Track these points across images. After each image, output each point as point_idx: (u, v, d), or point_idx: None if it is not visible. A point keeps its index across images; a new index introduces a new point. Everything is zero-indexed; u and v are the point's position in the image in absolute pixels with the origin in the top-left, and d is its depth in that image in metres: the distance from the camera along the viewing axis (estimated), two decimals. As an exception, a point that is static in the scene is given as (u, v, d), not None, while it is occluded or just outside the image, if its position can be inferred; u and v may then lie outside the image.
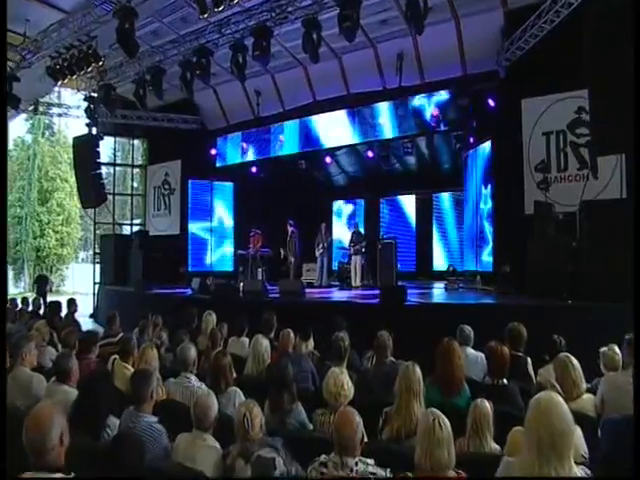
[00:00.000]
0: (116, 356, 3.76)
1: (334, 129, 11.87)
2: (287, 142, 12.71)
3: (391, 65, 10.86)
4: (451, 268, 11.11)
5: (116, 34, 7.12)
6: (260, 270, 11.99)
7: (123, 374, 3.55)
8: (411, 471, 2.04)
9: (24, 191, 25.69)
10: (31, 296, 11.74)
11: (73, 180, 17.61)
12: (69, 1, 8.62)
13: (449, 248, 13.51)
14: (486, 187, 9.89)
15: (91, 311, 14.45)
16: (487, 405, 2.44)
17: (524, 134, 9.10)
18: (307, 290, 9.58)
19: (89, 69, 8.18)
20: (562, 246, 7.01)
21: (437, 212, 13.84)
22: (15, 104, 9.08)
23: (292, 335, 4.12)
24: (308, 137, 12.34)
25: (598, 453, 2.46)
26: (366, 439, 2.36)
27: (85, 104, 11.66)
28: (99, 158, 13.42)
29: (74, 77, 8.44)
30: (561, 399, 1.80)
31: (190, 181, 14.01)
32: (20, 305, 8.07)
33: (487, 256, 9.87)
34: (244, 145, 13.41)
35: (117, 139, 16.28)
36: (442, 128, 10.43)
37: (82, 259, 31.66)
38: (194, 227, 14.11)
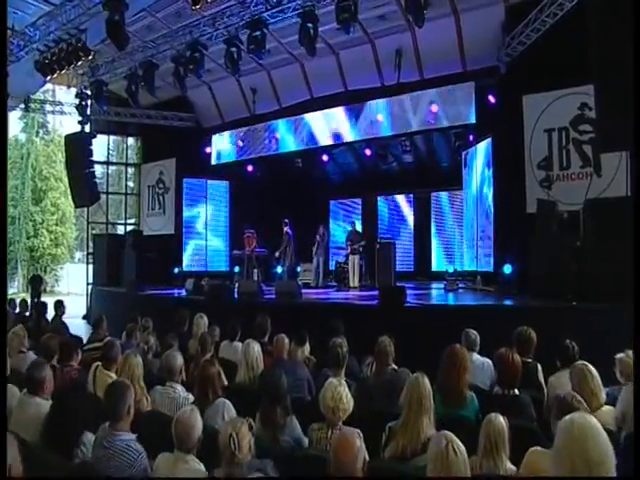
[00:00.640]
0: (98, 363, 3.52)
1: (331, 127, 11.63)
2: (283, 140, 12.47)
3: (389, 61, 10.68)
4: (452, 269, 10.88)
5: (105, 26, 6.89)
6: (256, 271, 11.77)
7: (105, 383, 3.31)
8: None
9: (17, 190, 25.37)
10: (25, 297, 11.54)
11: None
12: (57, -8, 8.39)
13: (448, 248, 13.31)
14: (486, 185, 9.68)
15: (85, 312, 14.24)
16: (502, 421, 2.21)
17: (525, 131, 8.89)
18: (304, 291, 9.35)
19: (79, 63, 7.93)
20: (566, 245, 6.80)
21: (436, 211, 13.63)
22: (3, 100, 8.81)
23: (286, 340, 3.88)
24: (304, 135, 12.10)
25: (619, 472, 2.24)
26: (367, 458, 2.12)
27: (76, 101, 11.35)
28: (92, 156, 13.16)
29: (64, 72, 8.19)
30: (597, 422, 1.57)
31: (185, 180, 13.75)
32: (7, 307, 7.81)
33: (487, 256, 9.65)
34: (240, 143, 13.16)
35: (111, 137, 16.02)
36: (442, 125, 10.18)
37: (79, 259, 31.36)
38: (189, 226, 13.84)
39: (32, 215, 25.97)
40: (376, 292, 7.84)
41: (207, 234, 13.98)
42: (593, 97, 7.99)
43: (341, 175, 14.50)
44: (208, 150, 13.71)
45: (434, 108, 10.20)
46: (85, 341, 5.16)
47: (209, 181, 13.98)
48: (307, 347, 4.24)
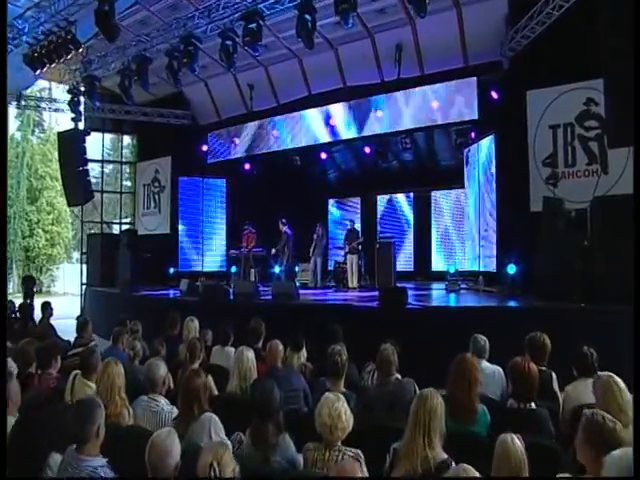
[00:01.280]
0: (77, 372, 3.26)
1: (330, 124, 11.37)
2: (281, 137, 12.22)
3: (389, 56, 10.45)
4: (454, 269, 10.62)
5: (95, 17, 6.63)
6: (253, 271, 11.51)
7: (84, 393, 3.06)
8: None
9: (13, 190, 25.04)
10: (18, 297, 11.27)
11: (63, 178, 17.02)
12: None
13: (448, 248, 13.07)
14: (489, 183, 9.43)
15: (79, 313, 13.99)
16: (519, 446, 1.95)
17: (529, 128, 8.66)
18: (301, 291, 9.11)
19: (69, 57, 7.66)
20: (573, 244, 6.57)
21: (436, 210, 13.39)
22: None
23: (281, 347, 3.61)
24: (303, 132, 11.84)
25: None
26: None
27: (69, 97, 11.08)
28: (85, 154, 12.92)
29: (54, 65, 7.92)
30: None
31: (180, 178, 13.50)
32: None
33: (490, 256, 9.41)
34: (236, 141, 12.90)
35: (109, 136, 15.77)
36: (443, 122, 9.92)
37: (76, 259, 31.06)
38: (185, 226, 13.57)
39: (27, 214, 25.65)
40: (376, 293, 7.62)
41: (203, 233, 13.71)
42: (599, 92, 7.86)
43: (340, 173, 14.26)
44: (204, 148, 13.45)
45: (435, 104, 9.96)
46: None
47: (205, 179, 13.71)
48: (304, 353, 3.97)
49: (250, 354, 3.40)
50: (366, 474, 1.77)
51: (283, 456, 2.28)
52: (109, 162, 15.66)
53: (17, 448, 2.06)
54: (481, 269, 9.81)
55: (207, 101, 13.46)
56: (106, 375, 2.86)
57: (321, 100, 11.63)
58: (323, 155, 12.78)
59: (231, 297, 8.19)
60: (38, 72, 8.12)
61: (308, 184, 13.80)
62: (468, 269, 10.81)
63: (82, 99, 11.40)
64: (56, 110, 14.66)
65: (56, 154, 24.98)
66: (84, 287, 14.12)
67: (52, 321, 6.72)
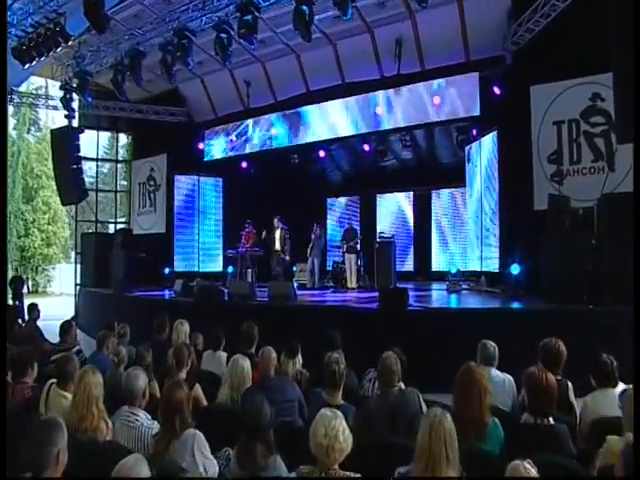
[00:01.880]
0: (53, 381, 3.01)
1: (328, 120, 11.13)
2: (278, 135, 11.97)
3: (389, 51, 10.23)
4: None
5: (83, 7, 6.39)
6: (250, 271, 11.25)
7: (60, 404, 2.81)
8: None
9: (8, 189, 24.76)
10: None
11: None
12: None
13: (449, 247, 12.86)
14: (491, 181, 9.19)
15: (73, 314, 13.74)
16: (534, 475, 1.71)
17: (533, 124, 8.43)
18: (299, 292, 8.87)
19: (58, 49, 7.41)
20: (580, 244, 6.34)
21: (436, 209, 13.18)
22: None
23: (274, 354, 3.35)
24: (301, 129, 11.59)
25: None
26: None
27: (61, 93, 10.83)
28: (79, 152, 12.67)
29: (43, 59, 7.67)
30: None
31: (176, 177, 13.24)
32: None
33: (492, 255, 9.17)
34: (233, 138, 12.64)
35: (106, 134, 15.52)
36: (444, 118, 9.68)
37: (74, 259, 30.78)
38: (180, 225, 13.31)
39: (23, 214, 25.39)
40: (375, 294, 7.39)
41: (199, 233, 13.44)
42: (605, 87, 7.66)
43: (338, 172, 14.03)
44: (200, 146, 13.21)
45: (436, 100, 9.73)
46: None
47: (201, 178, 13.45)
48: (299, 359, 3.71)
49: (246, 364, 3.16)
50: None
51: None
52: (103, 160, 15.36)
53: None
54: (483, 269, 9.57)
55: (203, 98, 13.22)
56: (82, 385, 2.62)
57: (319, 97, 11.39)
58: (322, 153, 12.54)
59: (226, 298, 7.94)
60: (27, 66, 7.86)
61: (306, 183, 13.56)
62: (470, 269, 10.57)
63: (75, 96, 11.13)
64: (54, 108, 14.36)
65: (52, 153, 24.90)
66: (78, 287, 13.90)
67: (46, 322, 6.48)
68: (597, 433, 2.47)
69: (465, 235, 11.74)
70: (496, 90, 9.09)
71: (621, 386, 2.77)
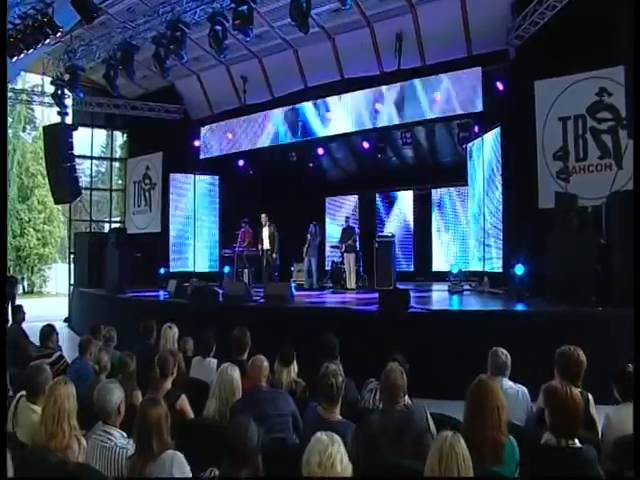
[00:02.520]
0: (23, 393, 2.74)
1: (326, 117, 10.86)
2: (276, 132, 11.70)
3: (389, 46, 9.99)
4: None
5: (70, -4, 6.15)
6: (247, 271, 10.99)
7: (29, 419, 2.56)
8: None
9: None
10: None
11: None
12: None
13: (450, 247, 12.62)
14: (494, 179, 8.94)
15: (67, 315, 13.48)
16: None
17: (537, 120, 8.20)
18: (297, 293, 8.63)
19: (46, 41, 7.15)
20: (589, 243, 6.09)
21: (437, 208, 12.94)
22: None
23: (266, 363, 3.06)
24: (299, 126, 11.33)
25: None
26: None
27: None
28: (72, 149, 12.39)
29: (31, 52, 7.40)
30: None
31: (172, 175, 12.95)
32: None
33: (495, 256, 8.92)
34: (229, 136, 12.38)
35: (102, 132, 15.25)
36: (445, 114, 9.42)
37: (69, 259, 30.48)
38: (176, 224, 13.03)
39: (18, 213, 25.12)
40: (375, 295, 7.14)
41: (195, 232, 13.17)
42: (613, 81, 7.43)
43: (337, 170, 13.76)
44: (197, 143, 12.94)
45: (437, 96, 9.47)
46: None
47: (198, 176, 13.17)
48: (294, 368, 3.44)
49: (235, 374, 2.90)
50: None
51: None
52: (98, 159, 15.09)
53: None
54: (486, 269, 9.32)
55: (199, 95, 12.98)
56: (53, 398, 2.36)
57: (318, 93, 11.13)
58: (320, 151, 12.29)
59: (221, 299, 7.68)
60: (15, 59, 7.60)
61: (305, 181, 13.31)
62: (472, 269, 10.32)
63: (68, 92, 10.87)
64: (50, 106, 14.09)
65: (48, 152, 24.63)
66: (72, 288, 13.64)
67: (38, 324, 6.23)
68: (623, 452, 2.22)
69: (466, 235, 11.50)
70: (499, 85, 8.87)
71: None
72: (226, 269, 11.86)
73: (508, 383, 2.88)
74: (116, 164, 15.97)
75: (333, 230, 14.02)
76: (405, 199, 13.48)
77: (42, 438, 2.31)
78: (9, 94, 12.96)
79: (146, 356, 3.91)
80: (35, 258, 26.03)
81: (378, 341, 5.45)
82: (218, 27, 7.17)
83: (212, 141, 12.91)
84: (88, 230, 14.73)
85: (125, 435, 2.33)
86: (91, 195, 14.58)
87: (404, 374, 2.48)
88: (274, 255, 10.43)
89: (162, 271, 12.13)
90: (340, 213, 13.99)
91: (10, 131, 25.90)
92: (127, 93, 13.29)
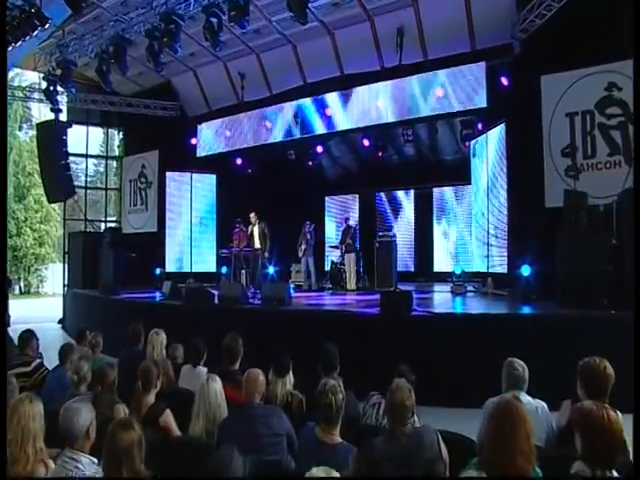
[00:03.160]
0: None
1: (326, 114, 10.59)
2: (274, 129, 11.42)
3: (390, 41, 9.73)
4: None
5: (57, -16, 5.88)
6: (244, 272, 10.71)
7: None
8: None
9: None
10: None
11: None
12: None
13: (452, 247, 12.39)
14: (499, 177, 8.68)
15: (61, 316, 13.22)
16: None
17: (544, 116, 7.94)
18: (296, 294, 8.38)
19: (34, 33, 6.88)
20: (600, 242, 5.83)
21: (438, 208, 12.70)
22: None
23: (262, 377, 2.73)
24: (297, 123, 11.05)
25: None
26: None
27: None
28: (66, 147, 12.16)
29: (19, 44, 7.13)
30: None
31: (168, 173, 12.67)
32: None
33: (500, 256, 8.65)
34: (227, 133, 12.10)
35: (97, 130, 14.94)
36: (448, 110, 9.15)
37: (63, 259, 30.21)
38: (173, 224, 12.75)
39: (14, 213, 24.87)
40: (376, 296, 6.88)
41: (192, 232, 12.89)
42: (623, 75, 7.17)
43: (337, 169, 13.51)
44: (193, 141, 12.66)
45: (440, 92, 9.19)
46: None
47: (195, 174, 12.89)
48: (290, 378, 3.14)
49: (217, 385, 2.64)
50: None
51: None
52: (93, 157, 14.81)
53: None
54: (490, 270, 9.05)
55: (196, 91, 12.72)
56: (16, 418, 2.09)
57: (317, 89, 10.86)
58: (319, 149, 12.03)
59: (216, 301, 7.41)
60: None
61: (304, 180, 13.05)
62: (475, 270, 10.05)
63: (61, 88, 10.60)
64: (40, 101, 13.84)
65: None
66: (66, 289, 13.37)
67: (33, 325, 5.97)
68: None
69: (469, 234, 11.24)
70: (504, 81, 8.60)
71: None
72: (223, 269, 11.60)
73: (526, 398, 2.60)
74: (113, 163, 15.68)
75: (333, 230, 13.80)
76: (406, 198, 13.24)
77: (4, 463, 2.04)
78: (3, 91, 12.72)
79: (132, 363, 3.64)
80: (32, 258, 25.82)
81: (380, 346, 5.20)
82: (213, 19, 6.91)
83: (209, 138, 12.63)
84: (83, 230, 14.46)
85: (95, 461, 2.07)
86: (86, 194, 14.32)
87: (412, 392, 2.20)
88: (266, 254, 9.92)
89: (158, 271, 11.85)
90: (340, 212, 13.75)
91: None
92: (123, 90, 13.04)
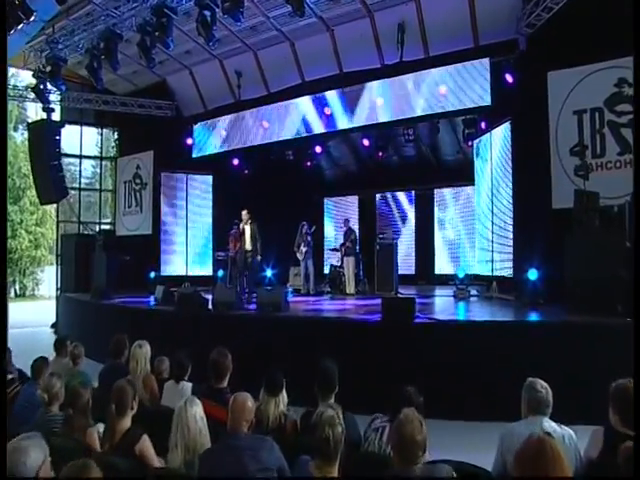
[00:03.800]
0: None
1: (324, 113, 10.30)
2: (272, 129, 11.13)
3: (391, 37, 9.43)
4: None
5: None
6: (240, 275, 10.38)
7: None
8: None
9: (-6, 188, 23.94)
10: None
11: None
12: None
13: (453, 250, 12.10)
14: (504, 177, 8.39)
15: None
16: None
17: (551, 114, 7.65)
18: (293, 299, 8.08)
19: (20, 27, 6.58)
20: (612, 245, 5.53)
21: (440, 209, 12.43)
22: None
23: (250, 403, 2.37)
24: (295, 123, 10.77)
25: None
26: None
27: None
28: (59, 147, 11.88)
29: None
30: None
31: (163, 174, 12.38)
32: None
33: (505, 259, 8.35)
34: (223, 133, 11.81)
35: (93, 130, 14.64)
36: (451, 109, 8.86)
37: (56, 262, 29.89)
38: (168, 226, 12.44)
39: (10, 215, 24.50)
40: (376, 301, 6.57)
41: (188, 234, 12.58)
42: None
43: (336, 169, 13.23)
44: (189, 141, 12.38)
45: (442, 90, 8.93)
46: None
47: (190, 175, 12.59)
48: (284, 397, 2.82)
49: (197, 410, 2.33)
50: None
51: None
52: (86, 157, 14.49)
53: None
54: (494, 274, 8.75)
55: (192, 90, 12.43)
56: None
57: (315, 87, 10.57)
58: (318, 149, 11.74)
59: (210, 307, 7.10)
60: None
61: (302, 181, 12.76)
62: (479, 274, 9.75)
63: (52, 86, 10.29)
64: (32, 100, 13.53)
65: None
66: (59, 293, 13.06)
67: (26, 330, 5.65)
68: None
69: (471, 236, 10.95)
70: (509, 78, 8.31)
71: None
72: (220, 273, 11.30)
73: (552, 425, 2.27)
74: (108, 164, 15.38)
75: (332, 232, 13.53)
76: (406, 199, 12.96)
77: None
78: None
79: (114, 378, 3.32)
80: (27, 261, 25.51)
81: (381, 355, 4.90)
82: (207, 12, 6.62)
83: (205, 138, 12.34)
84: (77, 232, 14.15)
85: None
86: (80, 195, 14.02)
87: (423, 424, 1.88)
88: (258, 257, 9.32)
89: (152, 275, 11.53)
90: (339, 214, 13.47)
91: (1, 130, 25.40)
92: (117, 89, 12.77)
